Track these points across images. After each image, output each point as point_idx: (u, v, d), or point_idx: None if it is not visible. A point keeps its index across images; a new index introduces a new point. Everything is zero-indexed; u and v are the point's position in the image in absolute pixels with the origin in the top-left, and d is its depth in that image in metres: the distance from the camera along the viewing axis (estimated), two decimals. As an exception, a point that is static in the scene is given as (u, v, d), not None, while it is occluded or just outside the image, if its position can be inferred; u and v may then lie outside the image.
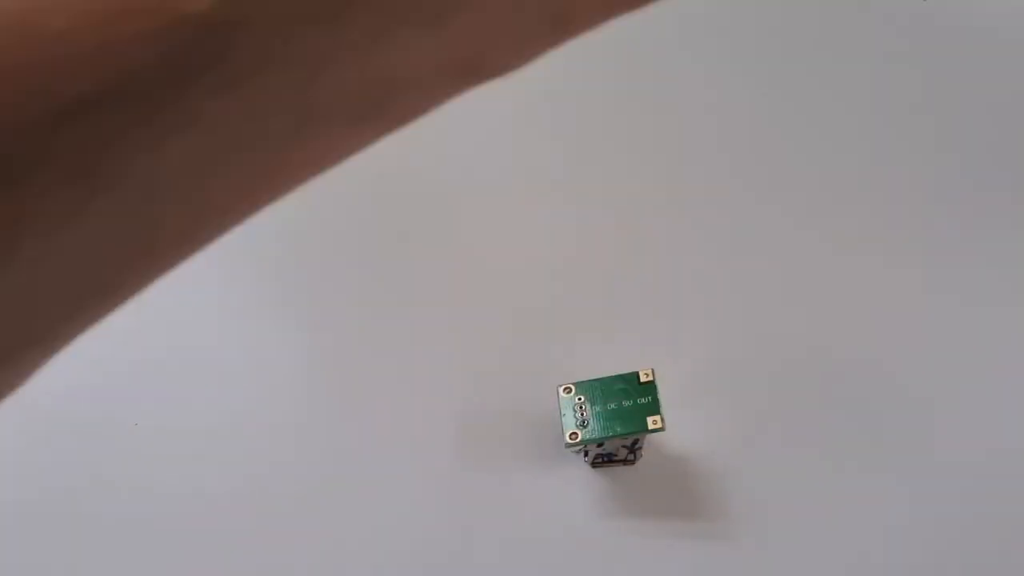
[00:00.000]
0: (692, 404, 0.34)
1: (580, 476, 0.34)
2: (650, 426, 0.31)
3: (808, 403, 0.35)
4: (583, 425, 0.32)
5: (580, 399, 0.32)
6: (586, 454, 0.34)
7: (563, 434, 0.32)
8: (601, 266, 0.40)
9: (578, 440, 0.32)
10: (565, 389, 0.33)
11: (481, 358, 0.37)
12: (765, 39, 0.48)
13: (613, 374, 0.32)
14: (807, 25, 0.48)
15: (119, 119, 0.13)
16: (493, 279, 0.40)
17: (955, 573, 0.31)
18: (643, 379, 0.32)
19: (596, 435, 0.32)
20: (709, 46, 0.48)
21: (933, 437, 0.34)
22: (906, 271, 0.39)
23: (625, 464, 0.34)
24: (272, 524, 0.33)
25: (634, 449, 0.33)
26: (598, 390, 0.32)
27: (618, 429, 0.31)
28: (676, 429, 0.32)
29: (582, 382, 0.33)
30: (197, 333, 0.38)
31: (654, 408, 0.31)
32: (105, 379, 0.37)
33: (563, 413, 0.32)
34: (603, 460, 0.34)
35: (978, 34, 0.47)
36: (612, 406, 0.32)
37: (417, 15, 0.14)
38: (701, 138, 0.44)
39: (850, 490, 0.33)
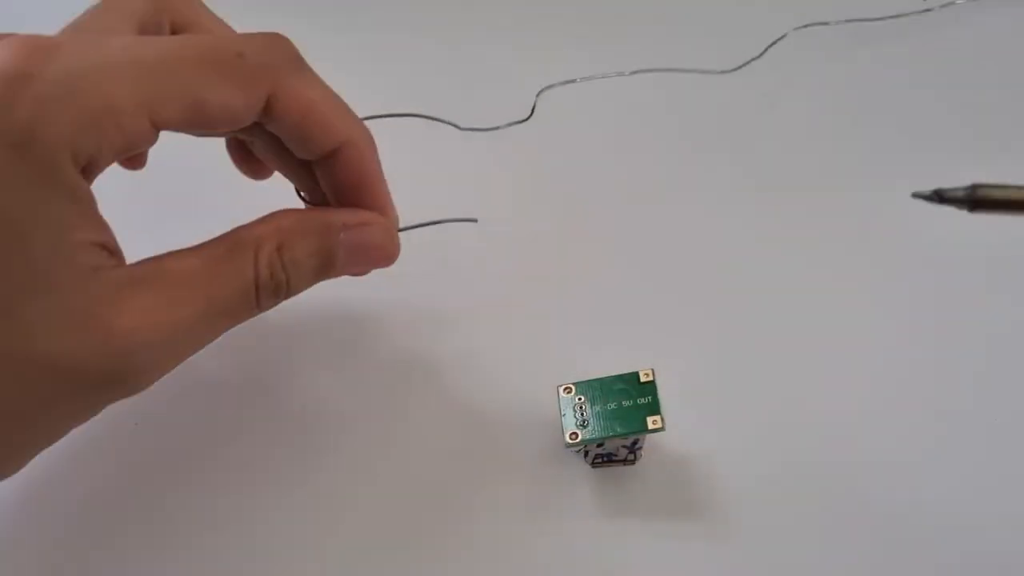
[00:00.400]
0: (692, 404, 0.34)
1: (580, 476, 0.34)
2: (650, 426, 0.31)
3: (809, 403, 0.35)
4: (583, 425, 0.32)
5: (580, 399, 0.32)
6: (586, 454, 0.34)
7: (563, 434, 0.32)
8: (601, 265, 0.40)
9: (578, 440, 0.32)
10: (565, 389, 0.33)
11: (480, 357, 0.37)
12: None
13: (613, 374, 0.32)
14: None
15: None
16: (493, 278, 0.40)
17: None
18: (643, 379, 0.32)
19: (596, 435, 0.32)
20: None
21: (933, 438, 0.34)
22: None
23: (625, 464, 0.34)
24: (266, 526, 0.33)
25: (634, 449, 0.33)
26: (598, 390, 0.32)
27: (618, 429, 0.32)
28: (676, 429, 0.32)
29: (582, 382, 0.33)
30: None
31: (654, 408, 0.32)
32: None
33: (563, 413, 0.32)
34: (603, 460, 0.34)
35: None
36: (612, 406, 0.32)
37: None
38: (699, 136, 0.44)
39: (851, 489, 0.33)
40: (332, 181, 0.29)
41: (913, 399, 0.35)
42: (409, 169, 0.31)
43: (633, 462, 0.34)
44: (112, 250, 0.25)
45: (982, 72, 0.47)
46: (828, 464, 0.34)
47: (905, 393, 0.35)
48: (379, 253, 0.30)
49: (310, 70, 0.29)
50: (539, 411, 0.34)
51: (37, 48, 0.24)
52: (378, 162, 0.30)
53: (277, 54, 0.28)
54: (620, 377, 0.32)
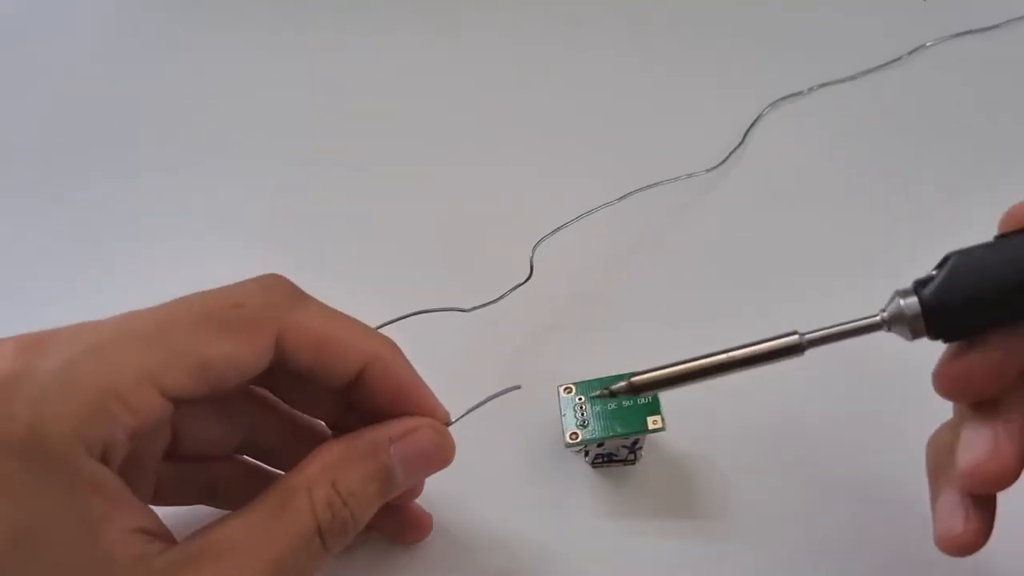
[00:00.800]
0: (692, 404, 0.34)
1: (580, 476, 0.34)
2: (650, 426, 0.31)
3: (809, 403, 0.35)
4: (583, 425, 0.32)
5: (580, 399, 0.32)
6: (586, 454, 0.34)
7: (563, 434, 0.32)
8: (601, 265, 0.40)
9: (578, 440, 0.32)
10: (565, 389, 0.33)
11: (480, 357, 0.37)
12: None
13: (613, 374, 0.32)
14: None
15: None
16: (492, 278, 0.40)
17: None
18: (643, 379, 0.32)
19: (596, 435, 0.32)
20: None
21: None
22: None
23: (625, 464, 0.34)
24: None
25: (634, 449, 0.33)
26: (598, 390, 0.32)
27: (618, 429, 0.32)
28: (676, 429, 0.32)
29: (582, 382, 0.33)
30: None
31: (654, 408, 0.32)
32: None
33: (563, 413, 0.32)
34: (603, 460, 0.34)
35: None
36: (612, 406, 0.32)
37: None
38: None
39: (851, 489, 0.33)
40: (370, 401, 0.28)
41: (911, 400, 0.35)
42: (430, 367, 0.29)
43: (633, 462, 0.34)
44: (156, 533, 0.24)
45: (961, 111, 0.47)
46: (828, 464, 0.34)
47: (904, 394, 0.35)
48: (436, 455, 0.28)
49: (312, 301, 0.27)
50: (539, 411, 0.34)
51: (28, 346, 0.23)
52: (409, 366, 0.28)
53: (275, 295, 0.27)
54: (620, 377, 0.32)
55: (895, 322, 0.25)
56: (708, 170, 0.43)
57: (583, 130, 0.47)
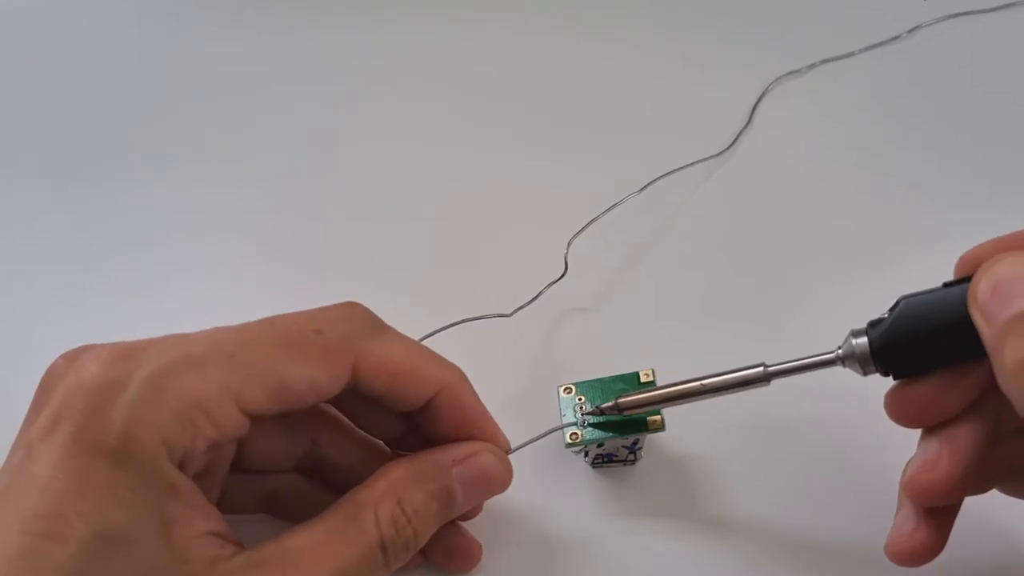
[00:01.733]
0: (692, 404, 0.34)
1: (580, 476, 0.34)
2: (650, 426, 0.31)
3: (809, 402, 0.35)
4: (583, 425, 0.32)
5: (580, 399, 0.32)
6: (586, 454, 0.34)
7: (563, 434, 0.32)
8: (601, 265, 0.40)
9: (578, 440, 0.32)
10: (565, 389, 0.33)
11: (480, 357, 0.37)
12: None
13: (613, 374, 0.32)
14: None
15: None
16: (491, 277, 0.40)
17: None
18: (643, 379, 0.32)
19: (596, 435, 0.32)
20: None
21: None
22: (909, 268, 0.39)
23: (625, 464, 0.34)
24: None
25: (634, 449, 0.33)
26: (598, 390, 0.32)
27: (618, 429, 0.32)
28: (676, 429, 0.32)
29: (582, 382, 0.33)
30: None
31: (654, 408, 0.32)
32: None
33: (563, 413, 0.32)
34: (603, 460, 0.34)
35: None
36: (612, 406, 0.32)
37: None
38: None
39: (853, 489, 0.33)
40: (434, 425, 0.29)
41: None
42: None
43: (633, 462, 0.34)
44: (226, 536, 0.25)
45: (962, 89, 0.47)
46: (830, 464, 0.34)
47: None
48: (495, 479, 0.29)
49: (389, 330, 0.28)
50: (539, 411, 0.34)
51: (122, 355, 0.25)
52: (475, 395, 0.30)
53: (354, 324, 0.28)
54: (620, 377, 0.32)
55: (848, 359, 0.28)
56: (720, 152, 0.44)
57: (593, 124, 0.47)
